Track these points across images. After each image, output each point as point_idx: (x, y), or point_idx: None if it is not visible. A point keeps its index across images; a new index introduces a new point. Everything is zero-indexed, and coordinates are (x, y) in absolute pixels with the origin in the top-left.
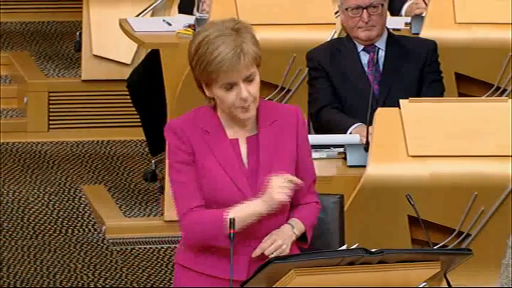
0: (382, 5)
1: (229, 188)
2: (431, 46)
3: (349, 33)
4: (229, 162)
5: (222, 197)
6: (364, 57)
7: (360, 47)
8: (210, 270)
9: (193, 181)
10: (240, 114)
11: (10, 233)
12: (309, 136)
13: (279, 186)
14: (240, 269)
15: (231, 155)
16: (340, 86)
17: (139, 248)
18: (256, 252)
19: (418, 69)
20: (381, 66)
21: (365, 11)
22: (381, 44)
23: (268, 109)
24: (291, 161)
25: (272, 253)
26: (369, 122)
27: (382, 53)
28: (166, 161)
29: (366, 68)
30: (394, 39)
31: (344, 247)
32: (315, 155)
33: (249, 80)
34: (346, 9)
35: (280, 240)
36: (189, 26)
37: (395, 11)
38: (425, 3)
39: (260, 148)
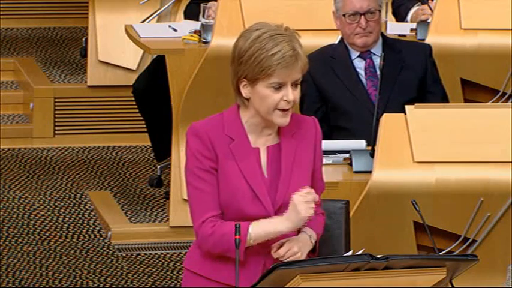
0: (379, 11)
1: (248, 197)
2: (427, 51)
3: (346, 40)
4: (251, 171)
5: (241, 205)
6: (359, 64)
7: (354, 54)
8: (220, 276)
9: (213, 190)
10: (277, 117)
11: (15, 238)
12: None
13: (305, 202)
14: (251, 277)
15: (253, 164)
16: (335, 95)
17: (145, 254)
18: (272, 252)
19: (418, 78)
20: (378, 73)
21: (362, 17)
22: (376, 49)
23: (290, 119)
24: (308, 172)
25: (287, 259)
26: (374, 129)
27: (377, 59)
28: (184, 164)
29: (362, 75)
30: (389, 44)
31: (350, 253)
32: None
33: (296, 84)
34: (344, 15)
35: (296, 248)
36: (195, 31)
37: (401, 17)
38: (431, 9)
39: (282, 158)
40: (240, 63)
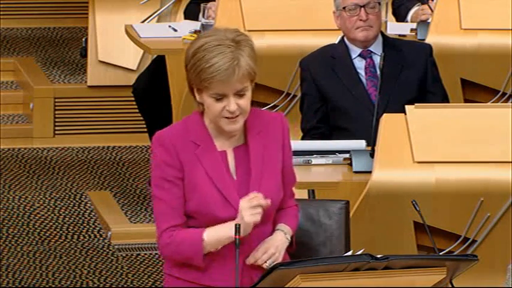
0: (379, 3)
1: (219, 202)
2: (428, 51)
3: (347, 36)
4: (219, 175)
5: (212, 211)
6: (360, 64)
7: (354, 54)
8: (198, 279)
9: (174, 199)
10: (225, 125)
11: (16, 238)
12: (315, 142)
13: (249, 208)
14: (232, 277)
15: (221, 168)
16: (335, 95)
17: (145, 254)
18: (249, 260)
19: (418, 77)
20: (378, 72)
21: (362, 9)
22: (376, 48)
23: (254, 117)
24: (278, 169)
25: (265, 261)
26: (374, 129)
27: (377, 58)
28: (151, 174)
29: (362, 75)
30: (390, 43)
31: (350, 253)
32: (321, 160)
33: (240, 94)
34: (344, 8)
35: (272, 249)
36: (195, 32)
37: (401, 17)
38: (431, 9)
39: (251, 159)
40: (187, 70)
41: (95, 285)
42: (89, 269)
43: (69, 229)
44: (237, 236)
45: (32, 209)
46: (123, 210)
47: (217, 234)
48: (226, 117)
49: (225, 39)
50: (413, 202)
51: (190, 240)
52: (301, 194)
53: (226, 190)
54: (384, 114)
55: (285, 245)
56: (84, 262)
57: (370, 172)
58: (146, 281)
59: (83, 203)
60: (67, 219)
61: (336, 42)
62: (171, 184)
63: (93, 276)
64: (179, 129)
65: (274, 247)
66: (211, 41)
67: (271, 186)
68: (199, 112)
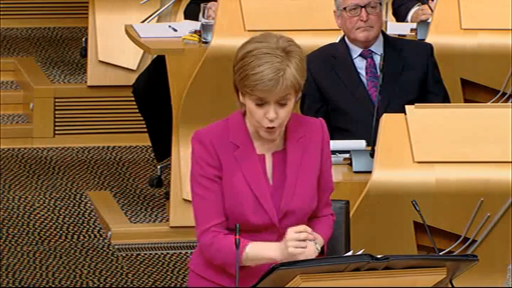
0: (380, 3)
1: (252, 205)
2: (429, 51)
3: (347, 36)
4: (256, 179)
5: (244, 213)
6: (360, 63)
7: (355, 53)
8: (223, 281)
9: (216, 197)
10: (263, 133)
11: (16, 238)
12: None
13: (296, 241)
14: (255, 281)
15: (258, 172)
16: (336, 95)
17: (145, 254)
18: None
19: (419, 77)
20: (379, 72)
21: (363, 9)
22: (377, 48)
23: (295, 123)
24: (315, 177)
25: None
26: (374, 129)
27: (378, 58)
28: (190, 170)
29: (363, 75)
30: (390, 43)
31: (350, 253)
32: None
33: (281, 103)
34: (345, 8)
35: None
36: (195, 32)
37: (401, 17)
38: (431, 9)
39: (287, 165)
40: (234, 71)
41: (95, 285)
42: (89, 269)
43: (69, 229)
44: (237, 236)
45: (31, 209)
46: (123, 210)
47: (258, 252)
48: (264, 127)
49: (275, 48)
50: (413, 202)
51: (230, 250)
52: None
53: (260, 194)
54: (384, 114)
55: (313, 256)
56: (84, 262)
57: (370, 172)
58: (146, 281)
59: (83, 203)
60: (67, 219)
61: (337, 41)
62: (211, 182)
63: (93, 276)
64: (219, 128)
65: (303, 256)
66: (261, 47)
67: (306, 194)
68: (242, 112)
